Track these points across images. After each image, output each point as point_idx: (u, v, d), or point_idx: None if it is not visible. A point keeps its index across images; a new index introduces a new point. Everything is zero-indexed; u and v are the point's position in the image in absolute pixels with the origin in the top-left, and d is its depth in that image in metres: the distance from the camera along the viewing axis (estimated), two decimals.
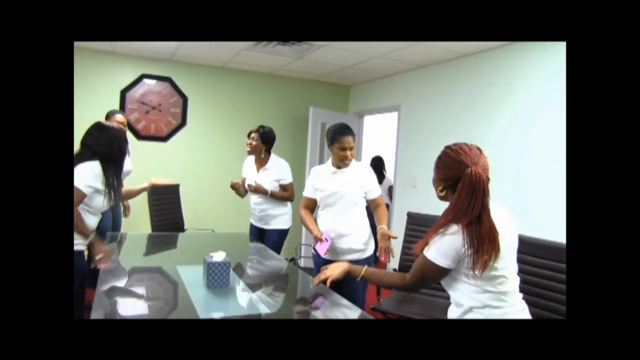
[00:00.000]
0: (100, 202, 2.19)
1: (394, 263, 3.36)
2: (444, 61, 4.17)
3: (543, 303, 2.01)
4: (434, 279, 1.52)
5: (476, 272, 1.39)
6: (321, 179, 2.62)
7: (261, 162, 3.38)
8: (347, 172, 2.55)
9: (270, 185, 3.31)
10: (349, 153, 2.49)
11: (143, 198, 3.47)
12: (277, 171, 3.34)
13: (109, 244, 2.82)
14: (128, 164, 3.99)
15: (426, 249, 1.49)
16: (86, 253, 2.27)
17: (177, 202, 4.17)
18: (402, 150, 4.75)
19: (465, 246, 1.38)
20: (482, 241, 1.37)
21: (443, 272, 1.47)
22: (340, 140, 2.47)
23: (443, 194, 1.54)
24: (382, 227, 2.47)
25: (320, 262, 2.52)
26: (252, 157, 3.48)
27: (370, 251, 2.59)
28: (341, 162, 2.53)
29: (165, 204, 4.08)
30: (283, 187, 3.37)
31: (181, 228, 4.15)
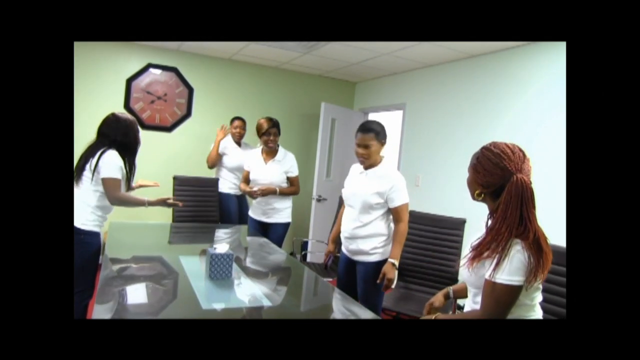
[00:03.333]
0: None
1: None
2: (450, 61, 4.16)
3: (542, 305, 2.01)
4: (511, 303, 1.36)
5: (529, 285, 1.33)
6: (349, 178, 2.56)
7: (272, 154, 3.34)
8: (371, 175, 2.41)
9: (279, 178, 3.28)
10: (362, 151, 2.37)
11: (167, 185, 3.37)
12: (286, 163, 3.32)
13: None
14: (238, 158, 4.07)
15: (490, 274, 1.35)
16: (103, 236, 2.47)
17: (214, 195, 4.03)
18: (405, 148, 4.75)
19: (530, 260, 1.31)
20: (541, 254, 1.32)
21: (518, 291, 1.34)
22: (356, 137, 2.39)
23: (480, 198, 1.45)
24: (387, 263, 2.33)
25: (345, 259, 2.56)
26: (255, 150, 3.44)
27: (380, 257, 2.42)
28: (360, 161, 2.44)
29: (201, 197, 3.97)
30: (290, 180, 3.34)
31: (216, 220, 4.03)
